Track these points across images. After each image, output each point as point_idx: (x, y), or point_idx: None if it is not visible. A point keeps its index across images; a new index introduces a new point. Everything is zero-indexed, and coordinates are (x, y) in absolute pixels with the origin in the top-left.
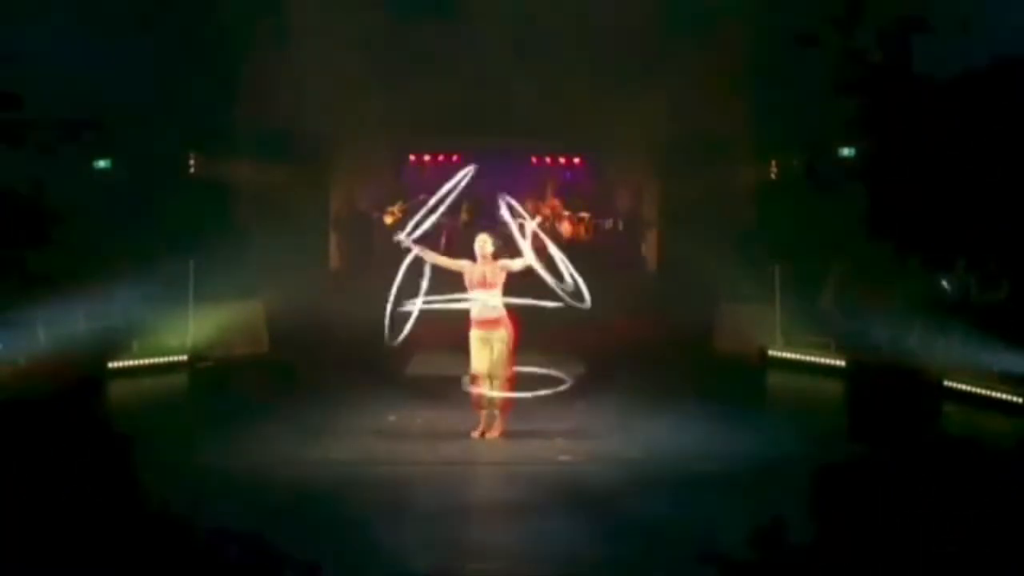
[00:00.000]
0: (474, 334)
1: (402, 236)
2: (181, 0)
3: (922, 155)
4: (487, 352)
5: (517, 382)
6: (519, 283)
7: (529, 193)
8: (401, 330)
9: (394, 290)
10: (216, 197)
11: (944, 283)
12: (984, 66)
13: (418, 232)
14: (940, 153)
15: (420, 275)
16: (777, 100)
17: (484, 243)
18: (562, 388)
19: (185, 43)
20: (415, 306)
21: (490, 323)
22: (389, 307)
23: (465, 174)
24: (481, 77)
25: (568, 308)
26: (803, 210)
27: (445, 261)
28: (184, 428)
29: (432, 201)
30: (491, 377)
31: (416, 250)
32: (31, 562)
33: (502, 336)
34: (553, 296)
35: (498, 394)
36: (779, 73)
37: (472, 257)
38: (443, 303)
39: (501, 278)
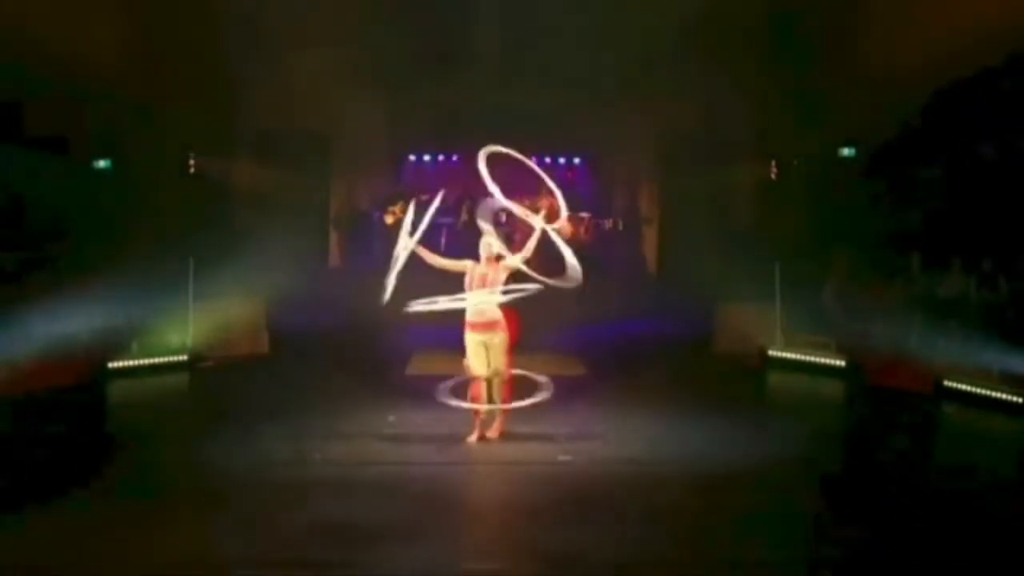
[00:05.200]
0: (470, 337)
1: (405, 241)
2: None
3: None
4: (484, 354)
5: (511, 383)
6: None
7: (526, 193)
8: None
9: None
10: (216, 197)
11: (941, 289)
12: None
13: (418, 233)
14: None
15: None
16: (778, 100)
17: (490, 245)
18: (545, 396)
19: (186, 43)
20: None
21: (486, 325)
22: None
23: (438, 200)
24: (482, 77)
25: (568, 308)
26: (803, 210)
27: (446, 263)
28: (184, 428)
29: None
30: (489, 380)
31: (418, 251)
32: None
33: (499, 338)
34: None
35: (494, 407)
36: (780, 73)
37: (474, 256)
38: (440, 304)
39: (502, 278)
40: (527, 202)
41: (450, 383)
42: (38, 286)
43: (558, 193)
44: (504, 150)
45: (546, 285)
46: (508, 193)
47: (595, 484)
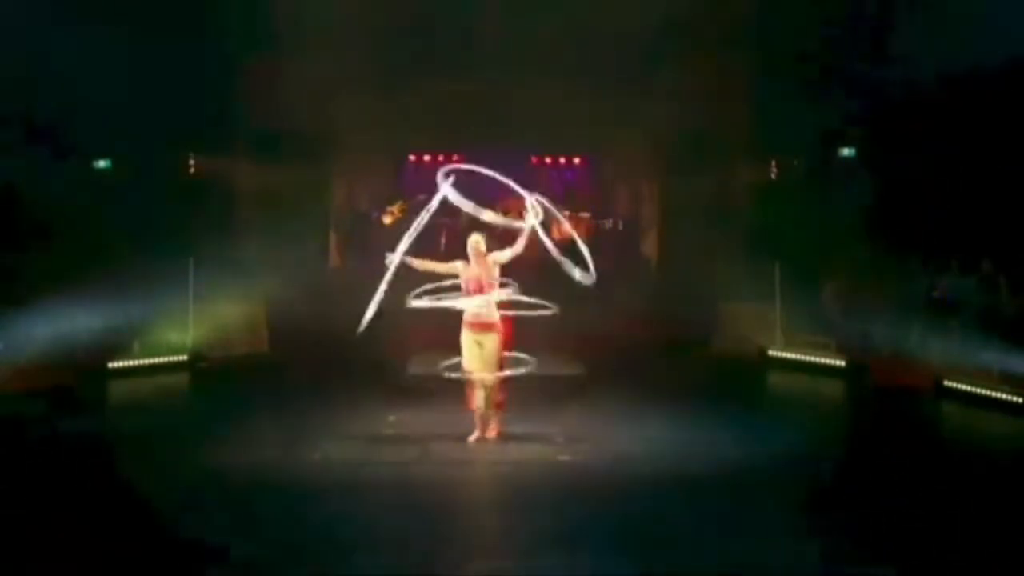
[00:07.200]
0: (466, 335)
1: (394, 256)
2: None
3: (924, 155)
4: (479, 352)
5: (507, 382)
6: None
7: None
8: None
9: (380, 293)
10: (216, 197)
11: (936, 293)
12: (992, 65)
13: (406, 243)
14: (942, 153)
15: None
16: (777, 100)
17: (477, 243)
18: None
19: (187, 43)
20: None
21: (482, 326)
22: (374, 306)
23: (444, 183)
24: (482, 77)
25: (568, 308)
26: (803, 210)
27: (437, 266)
28: (184, 428)
29: (423, 217)
30: (482, 378)
31: (408, 262)
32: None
33: (493, 337)
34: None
35: (486, 401)
36: (779, 73)
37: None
38: (437, 302)
39: (496, 276)
40: (518, 203)
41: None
42: (38, 286)
43: (526, 196)
44: (463, 167)
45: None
46: (493, 195)
47: (594, 484)
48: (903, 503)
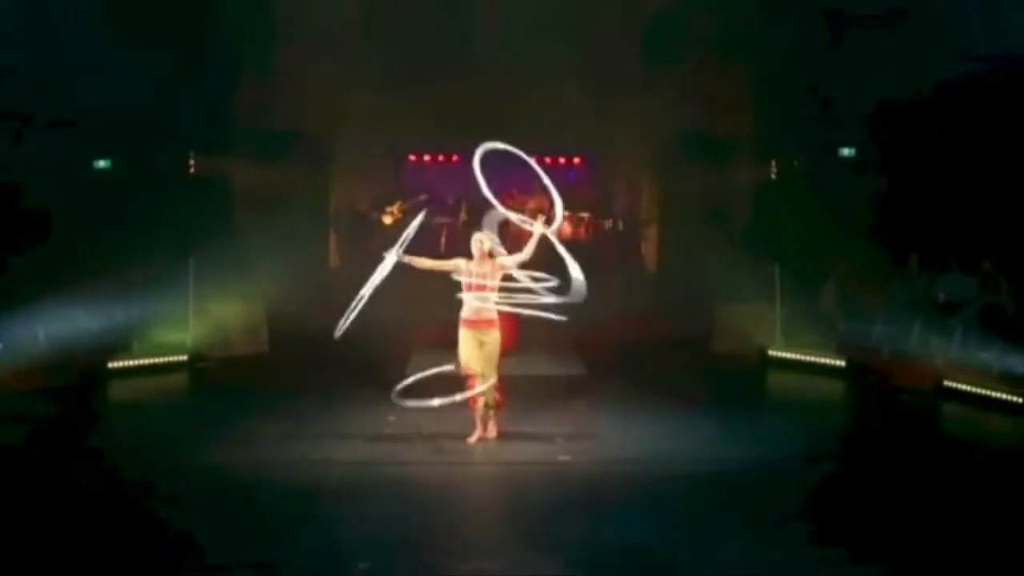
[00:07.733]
0: (465, 333)
1: (391, 254)
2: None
3: (923, 156)
4: (478, 350)
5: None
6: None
7: (522, 190)
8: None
9: (366, 291)
10: (216, 197)
11: (941, 294)
12: (988, 67)
13: (400, 248)
14: (941, 155)
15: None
16: (777, 100)
17: (481, 242)
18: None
19: (185, 43)
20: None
21: (482, 323)
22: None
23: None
24: (481, 77)
25: (567, 308)
26: (803, 210)
27: (437, 264)
28: (184, 428)
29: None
30: (483, 377)
31: (407, 260)
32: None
33: (494, 336)
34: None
35: (488, 395)
36: (780, 73)
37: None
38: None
39: (498, 278)
40: (531, 203)
41: (404, 383)
42: (38, 286)
43: (555, 194)
44: (504, 147)
45: (550, 303)
46: (505, 189)
47: (595, 484)
48: (903, 503)
